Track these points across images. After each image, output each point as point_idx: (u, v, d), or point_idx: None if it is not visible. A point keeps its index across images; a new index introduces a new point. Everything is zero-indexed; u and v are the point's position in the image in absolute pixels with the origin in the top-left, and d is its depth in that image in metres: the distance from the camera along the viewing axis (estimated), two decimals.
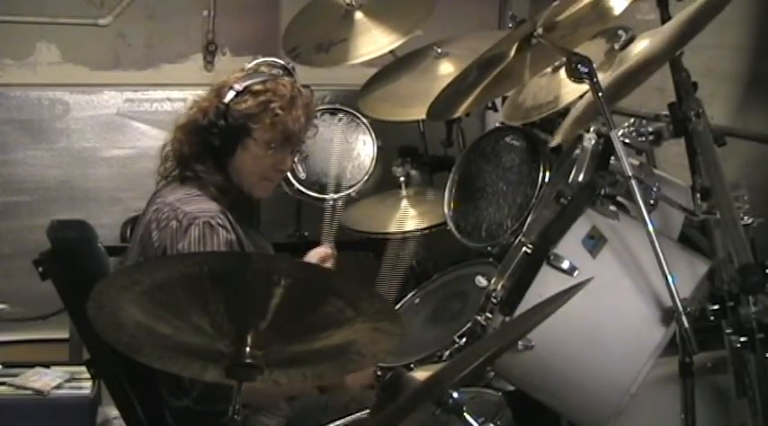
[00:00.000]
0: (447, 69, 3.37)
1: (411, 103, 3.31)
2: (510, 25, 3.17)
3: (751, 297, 2.01)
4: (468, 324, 2.56)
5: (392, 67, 3.55)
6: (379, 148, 3.46)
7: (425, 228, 3.22)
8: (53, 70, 4.00)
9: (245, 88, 2.49)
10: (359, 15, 3.52)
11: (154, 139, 3.81)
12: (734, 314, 2.04)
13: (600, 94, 2.17)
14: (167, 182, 2.56)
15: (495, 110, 3.40)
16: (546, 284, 2.17)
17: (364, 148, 3.48)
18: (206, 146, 2.49)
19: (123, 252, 2.83)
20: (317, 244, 2.96)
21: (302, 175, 3.43)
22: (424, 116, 2.64)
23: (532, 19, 2.36)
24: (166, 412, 2.48)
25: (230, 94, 2.48)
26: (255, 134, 2.48)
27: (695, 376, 2.08)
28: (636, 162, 2.45)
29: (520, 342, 2.14)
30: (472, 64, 2.39)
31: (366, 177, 3.43)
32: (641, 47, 2.55)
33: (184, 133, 2.53)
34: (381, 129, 3.49)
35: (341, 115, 3.51)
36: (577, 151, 2.47)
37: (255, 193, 2.57)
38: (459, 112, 2.72)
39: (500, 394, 2.40)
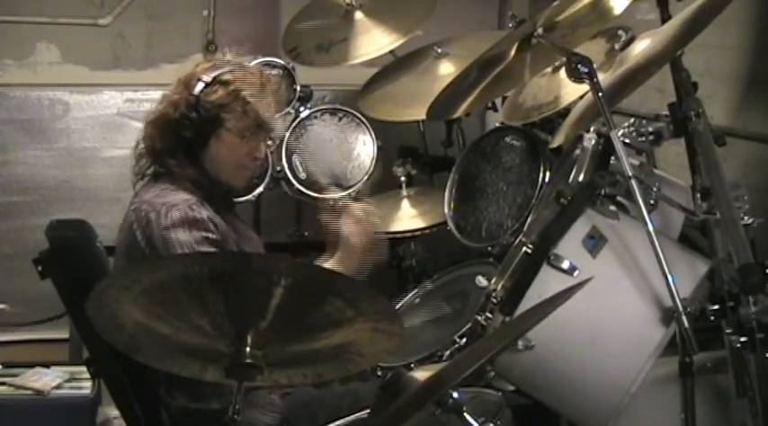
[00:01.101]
0: (447, 69, 3.37)
1: (411, 103, 3.31)
2: (510, 25, 3.18)
3: (751, 297, 2.01)
4: (469, 324, 2.57)
5: (392, 67, 3.55)
6: (379, 148, 3.46)
7: (426, 228, 3.22)
8: (53, 70, 4.00)
9: (214, 79, 2.48)
10: (359, 15, 3.52)
11: None
12: (734, 314, 2.04)
13: (600, 94, 2.17)
14: (144, 183, 2.55)
15: (495, 110, 3.40)
16: (546, 284, 2.17)
17: (364, 148, 3.48)
18: (178, 139, 2.48)
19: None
20: (316, 243, 2.93)
21: (302, 175, 3.43)
22: (423, 116, 2.64)
23: (532, 19, 2.36)
24: (166, 411, 2.48)
25: (200, 86, 2.47)
26: (228, 124, 2.47)
27: (695, 376, 2.08)
28: (636, 162, 2.45)
29: (520, 342, 2.14)
30: (472, 64, 2.39)
31: (366, 177, 3.43)
32: (641, 47, 2.54)
33: (156, 128, 2.52)
34: (381, 129, 3.49)
35: (341, 115, 3.51)
36: (577, 151, 2.47)
37: (233, 182, 2.57)
38: (459, 112, 2.71)
39: (500, 394, 2.40)
